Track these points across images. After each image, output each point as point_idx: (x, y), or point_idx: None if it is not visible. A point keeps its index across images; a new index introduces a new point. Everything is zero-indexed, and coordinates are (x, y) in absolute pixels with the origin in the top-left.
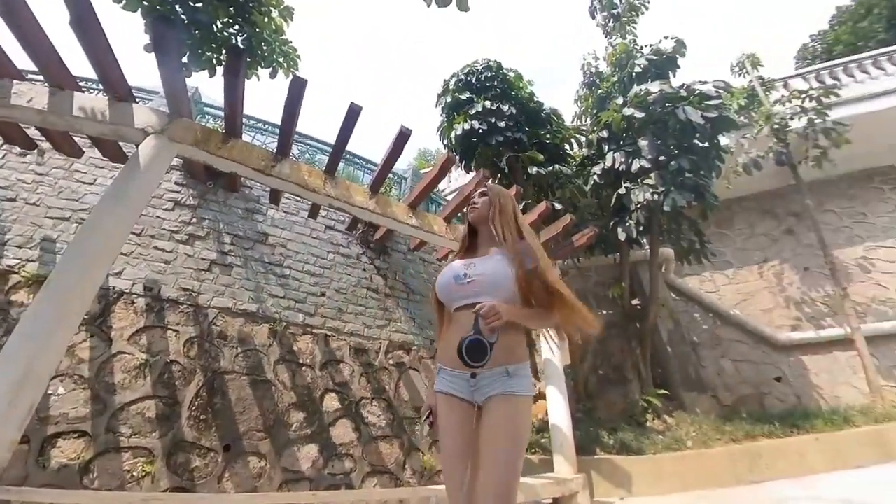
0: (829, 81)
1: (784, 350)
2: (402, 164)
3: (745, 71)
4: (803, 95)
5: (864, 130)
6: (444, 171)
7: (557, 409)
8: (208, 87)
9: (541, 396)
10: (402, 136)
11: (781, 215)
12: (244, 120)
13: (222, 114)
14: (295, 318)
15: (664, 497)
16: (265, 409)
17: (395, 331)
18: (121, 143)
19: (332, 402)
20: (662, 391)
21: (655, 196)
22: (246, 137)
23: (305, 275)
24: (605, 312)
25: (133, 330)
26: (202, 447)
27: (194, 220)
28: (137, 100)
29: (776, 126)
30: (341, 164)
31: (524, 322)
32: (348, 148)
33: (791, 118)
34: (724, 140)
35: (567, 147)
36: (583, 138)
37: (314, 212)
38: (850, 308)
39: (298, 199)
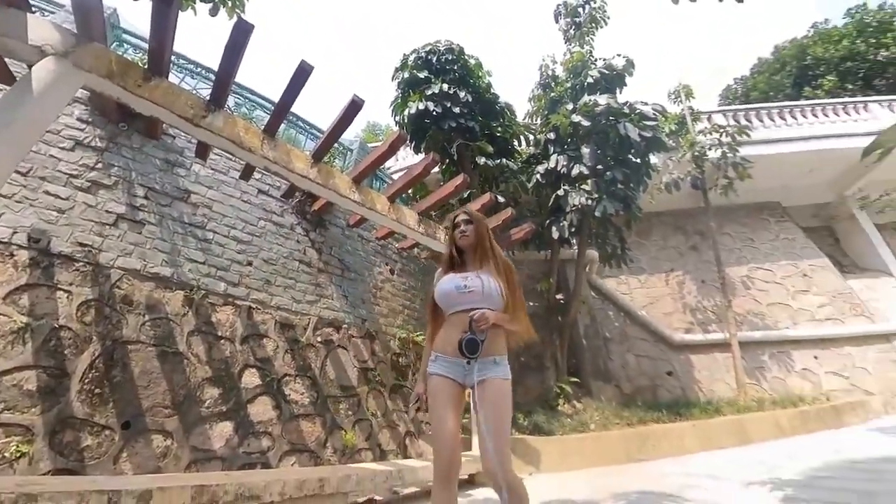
0: (742, 122)
1: (677, 349)
2: (349, 135)
3: (679, 99)
4: (721, 130)
5: (762, 170)
6: (393, 149)
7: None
8: (130, 10)
9: None
10: (354, 106)
11: (689, 232)
12: (173, 58)
13: (146, 46)
14: (216, 286)
15: (568, 473)
16: (175, 383)
17: (325, 307)
18: (6, 61)
19: (251, 378)
20: (574, 379)
21: (589, 202)
22: (173, 79)
23: (231, 241)
24: (531, 304)
25: (11, 287)
26: (96, 424)
27: (100, 165)
28: (35, 9)
29: (697, 153)
30: (282, 126)
31: (503, 325)
32: (293, 110)
33: (709, 148)
34: (653, 159)
35: (515, 143)
36: (531, 137)
37: (247, 173)
38: (732, 317)
39: (230, 157)
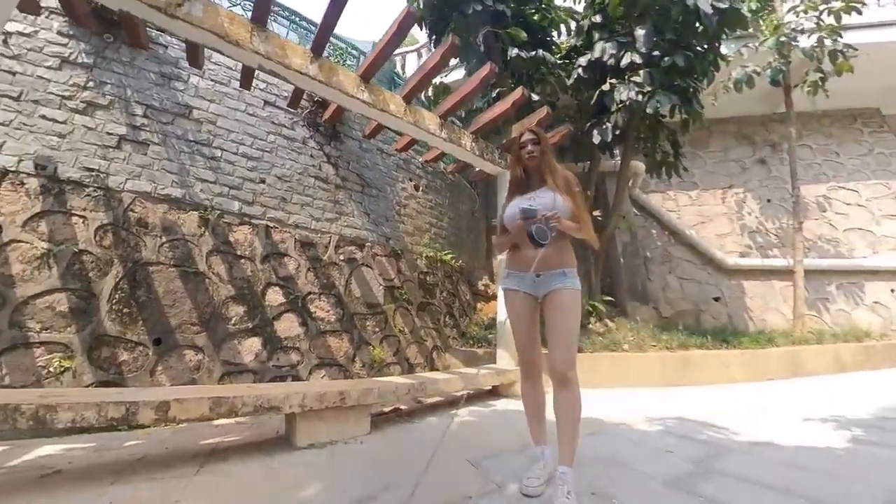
0: None
1: (728, 273)
2: (359, 35)
3: None
4: (823, 7)
5: (859, 66)
6: (402, 30)
7: (503, 309)
8: None
9: (492, 297)
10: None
11: (758, 143)
12: None
13: None
14: (230, 206)
15: (597, 390)
16: (199, 302)
17: (346, 225)
18: None
19: (275, 297)
20: (608, 298)
21: (640, 97)
22: None
23: (241, 157)
24: None
25: (27, 215)
26: (129, 341)
27: (91, 83)
28: None
29: (783, 39)
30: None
31: (570, 232)
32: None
33: (801, 32)
34: (723, 49)
35: (555, 34)
36: (573, 24)
37: (247, 80)
38: (800, 242)
39: (230, 66)
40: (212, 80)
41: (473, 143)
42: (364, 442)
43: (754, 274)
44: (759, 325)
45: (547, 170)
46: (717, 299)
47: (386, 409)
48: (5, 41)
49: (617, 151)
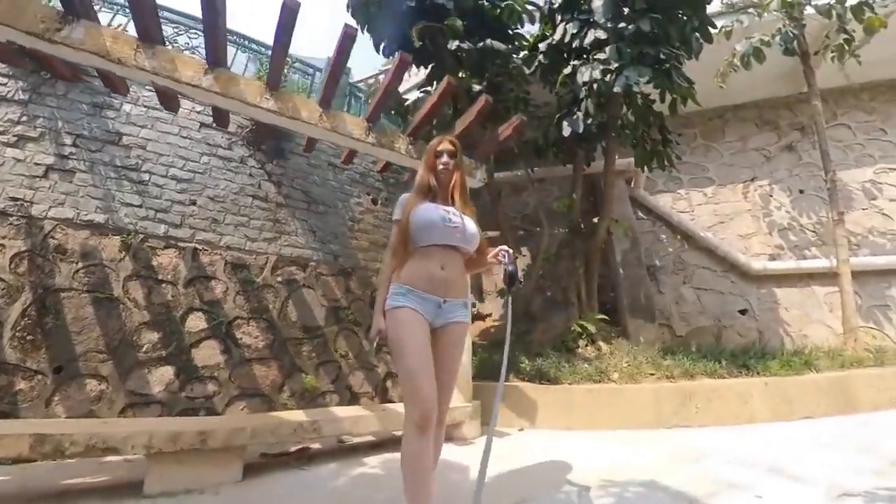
0: None
1: (755, 280)
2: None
3: None
4: None
5: None
6: (286, 19)
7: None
8: None
9: (479, 318)
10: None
11: (784, 129)
12: None
13: None
14: (155, 229)
15: (568, 433)
16: (110, 328)
17: (287, 245)
18: None
19: (196, 322)
20: (601, 316)
21: (607, 76)
22: None
23: (170, 180)
24: (558, 231)
25: None
26: (28, 369)
27: (25, 118)
28: None
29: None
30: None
31: (482, 268)
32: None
33: None
34: (720, 21)
35: (520, 27)
36: (537, 13)
37: (168, 101)
38: (843, 237)
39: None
40: (145, 106)
41: (410, 146)
42: (223, 493)
43: (789, 279)
44: (800, 341)
45: (458, 190)
46: (743, 312)
47: (292, 449)
48: None
49: (603, 142)
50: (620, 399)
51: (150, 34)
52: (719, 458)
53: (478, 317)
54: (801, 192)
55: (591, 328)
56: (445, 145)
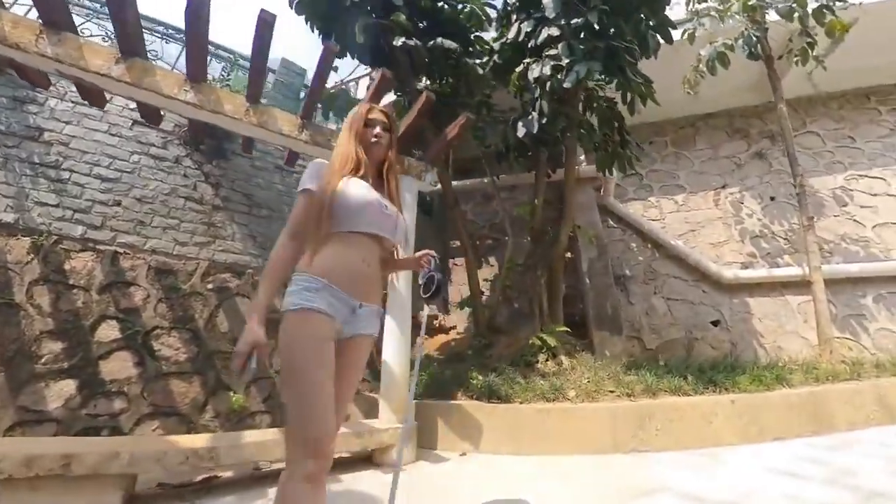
0: None
1: (728, 290)
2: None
3: None
4: None
5: (867, 34)
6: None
7: (392, 346)
8: None
9: (442, 331)
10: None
11: (754, 137)
12: None
13: None
14: (71, 230)
15: (513, 457)
16: (5, 337)
17: (221, 250)
18: None
19: (108, 332)
20: (562, 328)
21: (557, 73)
22: None
23: (93, 179)
24: (526, 240)
25: None
26: None
27: None
28: None
29: (751, 2)
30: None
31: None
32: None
33: None
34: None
35: (480, 31)
36: (493, 14)
37: (93, 97)
38: (814, 243)
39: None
40: (72, 101)
41: None
42: None
43: (762, 288)
44: (775, 353)
45: (390, 172)
46: (715, 323)
47: (198, 478)
48: None
49: (563, 145)
50: (574, 420)
51: (54, 19)
52: (671, 495)
53: (441, 329)
54: (773, 199)
55: (551, 341)
56: (377, 114)
